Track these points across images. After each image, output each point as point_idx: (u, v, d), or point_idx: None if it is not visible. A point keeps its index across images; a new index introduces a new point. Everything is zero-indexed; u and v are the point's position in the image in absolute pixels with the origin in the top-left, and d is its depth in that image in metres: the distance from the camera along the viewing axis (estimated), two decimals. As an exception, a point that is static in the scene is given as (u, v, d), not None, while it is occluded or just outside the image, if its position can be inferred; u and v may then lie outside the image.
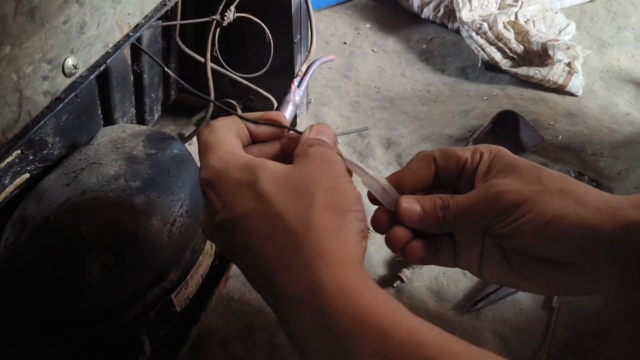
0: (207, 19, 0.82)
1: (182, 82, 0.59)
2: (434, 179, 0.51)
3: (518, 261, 0.49)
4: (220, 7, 0.84)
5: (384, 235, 0.53)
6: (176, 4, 0.87)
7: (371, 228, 0.51)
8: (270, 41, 0.85)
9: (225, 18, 0.82)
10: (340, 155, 0.48)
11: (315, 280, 0.38)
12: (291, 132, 0.50)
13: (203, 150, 0.46)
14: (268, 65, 0.87)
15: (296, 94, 0.90)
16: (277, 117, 0.50)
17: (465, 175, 0.50)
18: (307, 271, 0.39)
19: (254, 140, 0.50)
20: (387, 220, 0.49)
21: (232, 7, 0.82)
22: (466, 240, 0.51)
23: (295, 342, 0.40)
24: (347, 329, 0.37)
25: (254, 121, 0.49)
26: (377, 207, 0.51)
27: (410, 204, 0.49)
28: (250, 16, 0.84)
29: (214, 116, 1.09)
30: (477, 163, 0.50)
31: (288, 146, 0.50)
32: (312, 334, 0.38)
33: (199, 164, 0.52)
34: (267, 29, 0.84)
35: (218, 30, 0.83)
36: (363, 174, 0.50)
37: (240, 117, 0.49)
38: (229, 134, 0.47)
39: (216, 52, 0.85)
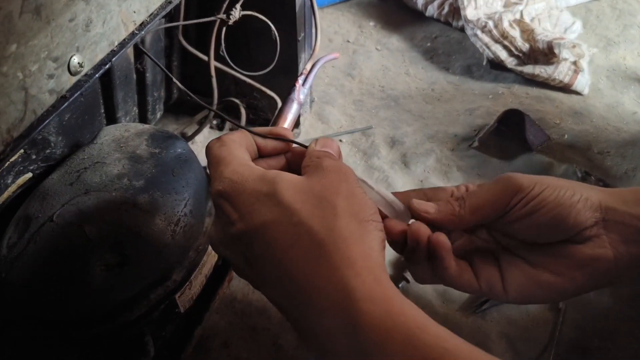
0: (212, 18, 0.82)
1: (184, 88, 0.59)
2: None
3: (537, 255, 0.50)
4: (225, 6, 0.83)
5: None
6: (180, 1, 0.86)
7: None
8: (276, 38, 0.85)
9: (230, 17, 0.81)
10: None
11: (345, 287, 0.39)
12: (297, 146, 0.51)
13: (215, 163, 0.46)
14: (274, 63, 0.86)
15: (301, 92, 0.90)
16: (284, 132, 0.50)
17: None
18: (336, 278, 0.39)
19: (261, 154, 0.50)
20: (398, 226, 0.49)
21: (238, 6, 0.81)
22: (481, 259, 0.52)
23: (321, 349, 0.40)
24: (375, 335, 0.37)
25: (263, 135, 0.49)
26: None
27: (423, 202, 0.50)
28: (256, 14, 0.83)
29: (216, 115, 1.08)
30: (464, 192, 0.52)
31: (293, 160, 0.51)
32: (340, 340, 0.38)
33: (202, 162, 0.52)
34: (273, 26, 0.84)
35: (224, 29, 0.83)
36: (367, 189, 0.49)
37: (249, 132, 0.49)
38: (240, 147, 0.47)
39: (222, 51, 0.85)
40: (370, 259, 0.40)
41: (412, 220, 0.50)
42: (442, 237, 0.48)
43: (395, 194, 0.52)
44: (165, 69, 0.68)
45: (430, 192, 0.52)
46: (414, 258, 0.50)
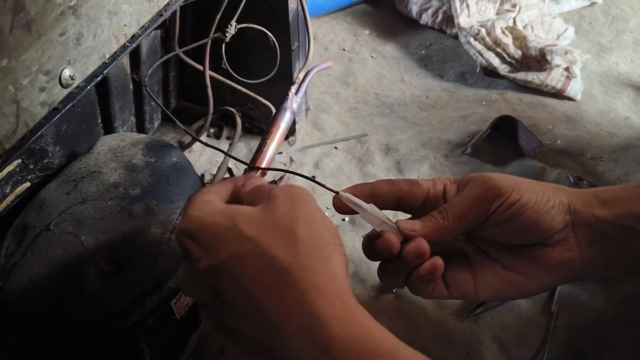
0: (208, 39, 0.84)
1: (169, 113, 0.61)
2: (400, 206, 0.54)
3: (509, 257, 0.51)
4: (217, 17, 0.85)
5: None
6: (174, 14, 0.88)
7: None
8: (275, 45, 0.86)
9: (227, 34, 0.83)
10: (336, 193, 0.51)
11: (313, 312, 0.40)
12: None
13: (185, 207, 0.48)
14: (274, 72, 0.88)
15: (294, 101, 0.91)
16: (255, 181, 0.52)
17: (429, 202, 0.53)
18: (303, 303, 0.40)
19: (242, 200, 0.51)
20: (397, 241, 0.50)
21: (233, 22, 0.83)
22: (454, 265, 0.53)
23: None
24: (348, 356, 0.38)
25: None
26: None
27: (410, 220, 0.51)
28: (253, 25, 0.85)
29: (213, 124, 1.10)
30: (441, 191, 0.53)
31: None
32: None
33: (198, 171, 0.54)
34: (272, 36, 0.86)
35: (223, 45, 0.85)
36: (361, 211, 0.52)
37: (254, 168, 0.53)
38: (209, 193, 0.49)
39: (225, 64, 0.87)
40: (337, 282, 0.42)
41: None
42: (439, 262, 0.50)
43: (361, 184, 0.54)
44: (159, 103, 0.69)
45: (406, 184, 0.53)
46: (395, 269, 0.52)
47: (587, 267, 0.50)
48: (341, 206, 0.52)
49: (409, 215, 0.57)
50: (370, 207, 0.51)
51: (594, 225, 0.49)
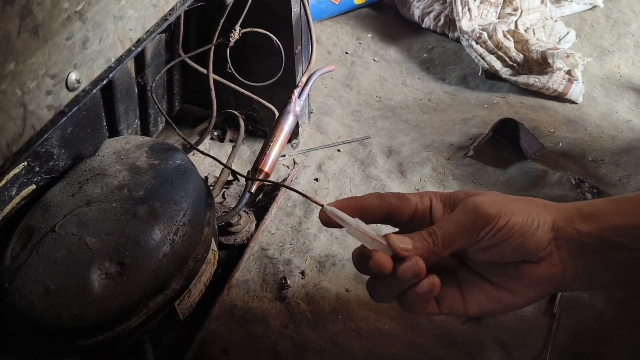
0: (214, 43, 0.85)
1: (169, 119, 0.61)
2: (388, 220, 0.54)
3: (495, 274, 0.52)
4: (222, 20, 0.86)
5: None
6: (178, 18, 0.89)
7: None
8: (280, 48, 0.87)
9: (231, 38, 0.84)
10: (321, 206, 0.52)
11: None
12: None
13: None
14: (279, 75, 0.89)
15: (297, 104, 0.92)
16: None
17: (417, 217, 0.54)
18: None
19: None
20: (389, 261, 0.51)
21: (238, 27, 0.84)
22: (443, 283, 0.53)
23: None
24: None
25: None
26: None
27: (400, 237, 0.52)
28: (257, 29, 0.86)
29: (217, 126, 1.10)
30: (428, 206, 0.54)
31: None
32: None
33: (202, 173, 0.54)
34: (276, 40, 0.86)
35: (228, 49, 0.86)
36: (351, 228, 0.52)
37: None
38: None
39: (230, 68, 0.87)
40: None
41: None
42: (437, 280, 0.51)
43: (351, 197, 0.54)
44: (163, 112, 0.70)
45: (395, 198, 0.54)
46: (387, 286, 0.52)
47: (570, 280, 0.51)
48: (327, 220, 0.53)
49: (396, 229, 0.57)
50: (356, 222, 0.51)
51: (576, 239, 0.50)
